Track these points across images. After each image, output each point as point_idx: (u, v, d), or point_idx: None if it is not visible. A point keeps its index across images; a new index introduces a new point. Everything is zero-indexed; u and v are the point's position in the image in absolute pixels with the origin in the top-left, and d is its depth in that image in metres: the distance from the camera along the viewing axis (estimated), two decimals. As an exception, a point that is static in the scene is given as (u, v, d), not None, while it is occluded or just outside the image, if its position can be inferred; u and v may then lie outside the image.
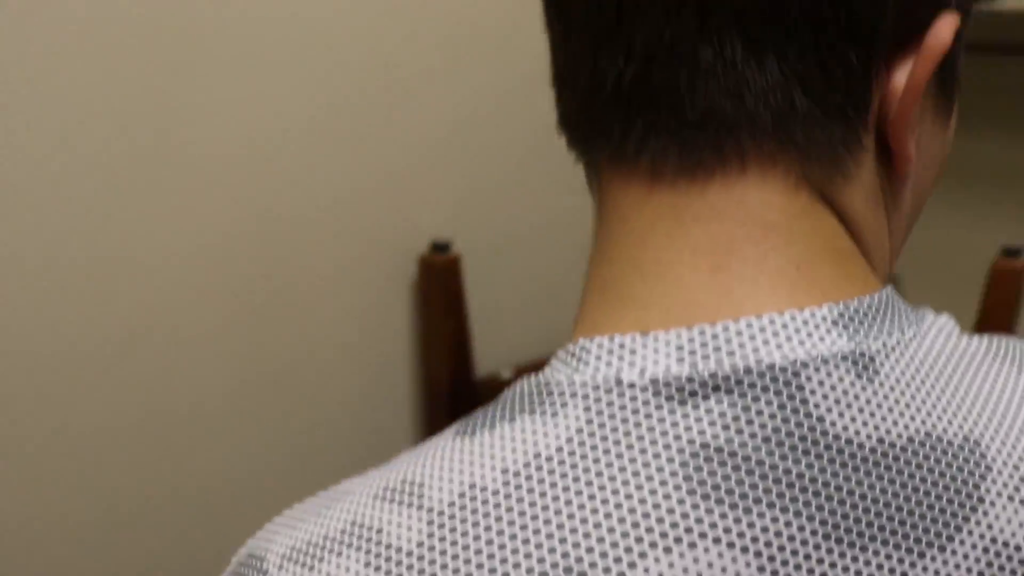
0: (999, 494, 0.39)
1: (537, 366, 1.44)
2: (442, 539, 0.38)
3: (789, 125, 0.41)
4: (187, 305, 1.09)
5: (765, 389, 0.37)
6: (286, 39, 1.12)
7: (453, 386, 1.29)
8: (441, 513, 0.39)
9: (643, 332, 0.40)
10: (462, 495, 0.39)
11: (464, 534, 0.38)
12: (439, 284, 1.28)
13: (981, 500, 0.38)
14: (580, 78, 0.43)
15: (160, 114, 1.04)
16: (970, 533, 0.38)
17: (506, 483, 0.38)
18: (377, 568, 0.39)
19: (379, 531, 0.40)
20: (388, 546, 0.39)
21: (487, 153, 1.38)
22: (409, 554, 0.38)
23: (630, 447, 0.37)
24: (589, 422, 0.38)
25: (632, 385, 0.38)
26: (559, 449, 0.38)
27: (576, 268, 1.56)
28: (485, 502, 0.38)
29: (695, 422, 0.37)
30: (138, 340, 1.05)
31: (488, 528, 0.38)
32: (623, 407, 0.38)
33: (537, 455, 0.38)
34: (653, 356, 0.39)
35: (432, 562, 0.38)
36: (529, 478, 0.38)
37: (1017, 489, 0.39)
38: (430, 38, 1.26)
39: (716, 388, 0.37)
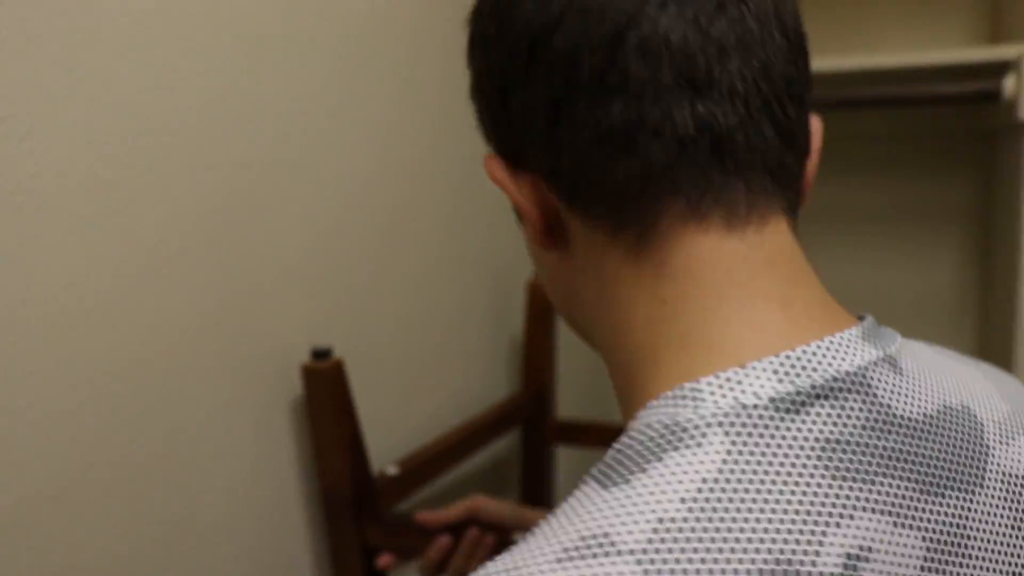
0: (994, 441, 0.50)
1: (420, 458, 1.48)
2: (659, 571, 0.42)
3: (799, 178, 0.52)
4: (75, 428, 1.05)
5: (850, 391, 0.47)
6: (155, 147, 1.13)
7: (354, 486, 1.31)
8: (645, 551, 0.42)
9: (741, 365, 0.48)
10: (655, 530, 0.43)
11: (677, 561, 0.42)
12: (326, 389, 1.31)
13: (987, 447, 0.50)
14: (669, 127, 0.49)
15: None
16: (991, 471, 0.49)
17: (690, 509, 0.43)
18: None
19: None
20: None
21: (355, 258, 1.43)
22: None
23: (775, 454, 0.45)
24: (734, 443, 0.45)
25: (756, 406, 0.46)
26: (720, 470, 0.45)
27: (452, 360, 1.62)
28: (680, 529, 0.43)
29: (813, 424, 0.46)
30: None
31: (696, 550, 0.42)
32: (755, 424, 0.46)
33: (704, 480, 0.44)
34: (758, 382, 0.47)
35: None
36: (707, 500, 0.44)
37: (1002, 436, 0.51)
38: (298, 142, 1.31)
39: (818, 396, 0.47)
